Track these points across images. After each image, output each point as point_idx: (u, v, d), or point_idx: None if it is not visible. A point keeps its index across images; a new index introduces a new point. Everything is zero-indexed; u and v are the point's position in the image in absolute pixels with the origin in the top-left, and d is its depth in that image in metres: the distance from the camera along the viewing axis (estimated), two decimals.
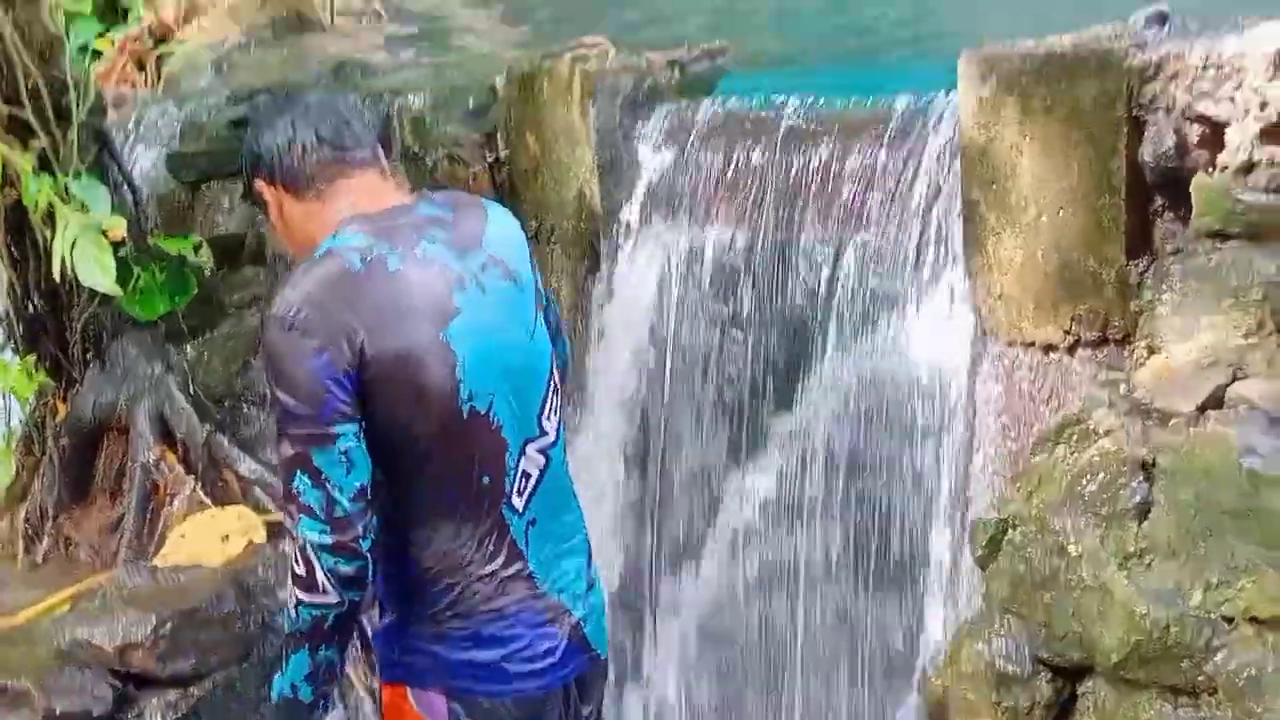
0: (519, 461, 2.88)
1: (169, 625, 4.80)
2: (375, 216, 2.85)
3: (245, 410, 5.87)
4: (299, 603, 2.73)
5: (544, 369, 2.95)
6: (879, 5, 7.16)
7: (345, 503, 2.66)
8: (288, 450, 2.70)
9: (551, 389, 2.95)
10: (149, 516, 5.59)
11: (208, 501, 5.55)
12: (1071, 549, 3.03)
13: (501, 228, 2.99)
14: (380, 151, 3.02)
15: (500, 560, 2.87)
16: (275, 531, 5.41)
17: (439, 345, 2.77)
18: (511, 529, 2.89)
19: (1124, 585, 2.90)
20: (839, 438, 4.23)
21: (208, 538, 5.36)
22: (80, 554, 5.67)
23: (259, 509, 5.50)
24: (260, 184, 2.97)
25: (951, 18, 6.59)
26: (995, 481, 3.91)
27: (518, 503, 2.89)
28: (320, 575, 2.68)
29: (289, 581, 2.75)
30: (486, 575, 2.87)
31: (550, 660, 2.93)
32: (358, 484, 2.67)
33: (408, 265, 2.79)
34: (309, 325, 2.68)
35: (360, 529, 2.68)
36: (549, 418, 2.94)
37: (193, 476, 5.63)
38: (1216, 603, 2.78)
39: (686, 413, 4.67)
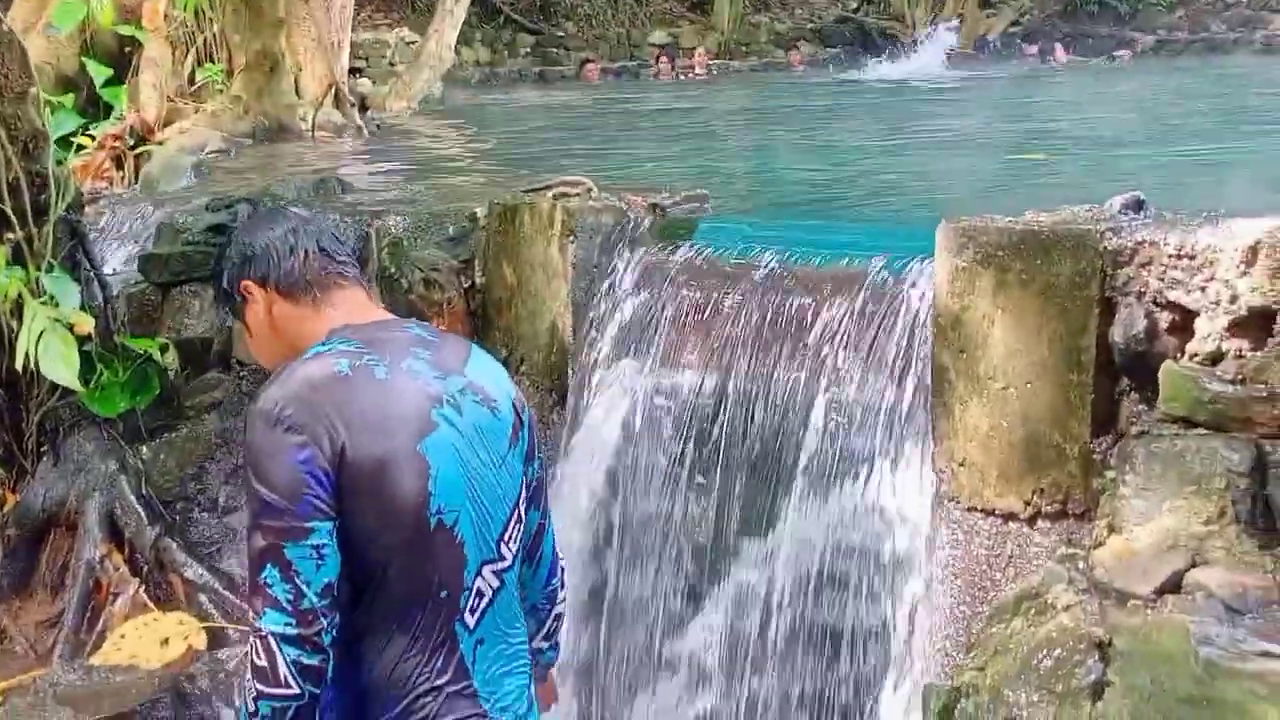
0: (474, 581, 2.91)
1: None
2: (365, 327, 2.92)
3: (196, 515, 5.82)
4: (259, 695, 2.70)
5: (511, 497, 2.98)
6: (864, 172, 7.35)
7: (313, 597, 2.67)
8: (259, 542, 2.70)
9: (515, 518, 2.99)
10: (89, 614, 5.52)
11: (150, 604, 5.49)
12: None
13: (483, 361, 3.05)
14: (359, 272, 3.09)
15: (448, 676, 2.88)
16: (216, 639, 5.36)
17: (415, 456, 2.81)
18: (461, 645, 2.91)
19: None
20: (797, 590, 4.24)
21: (147, 641, 5.30)
22: (16, 648, 5.57)
23: (202, 615, 5.44)
24: (249, 285, 2.97)
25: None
26: (946, 645, 3.92)
27: (470, 620, 2.92)
28: (282, 667, 2.67)
29: (248, 675, 2.72)
30: (434, 690, 2.88)
31: None
32: (326, 580, 2.69)
33: (393, 376, 2.84)
34: (294, 421, 2.70)
35: (325, 624, 2.69)
36: (508, 544, 2.97)
37: (137, 578, 5.58)
38: None
39: (645, 559, 4.66)
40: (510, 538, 2.98)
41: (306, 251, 2.96)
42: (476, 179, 7.33)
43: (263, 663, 2.69)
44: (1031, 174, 6.74)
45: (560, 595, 3.27)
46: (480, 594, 2.93)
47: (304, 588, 2.67)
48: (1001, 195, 4.83)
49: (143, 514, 5.70)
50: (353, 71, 15.76)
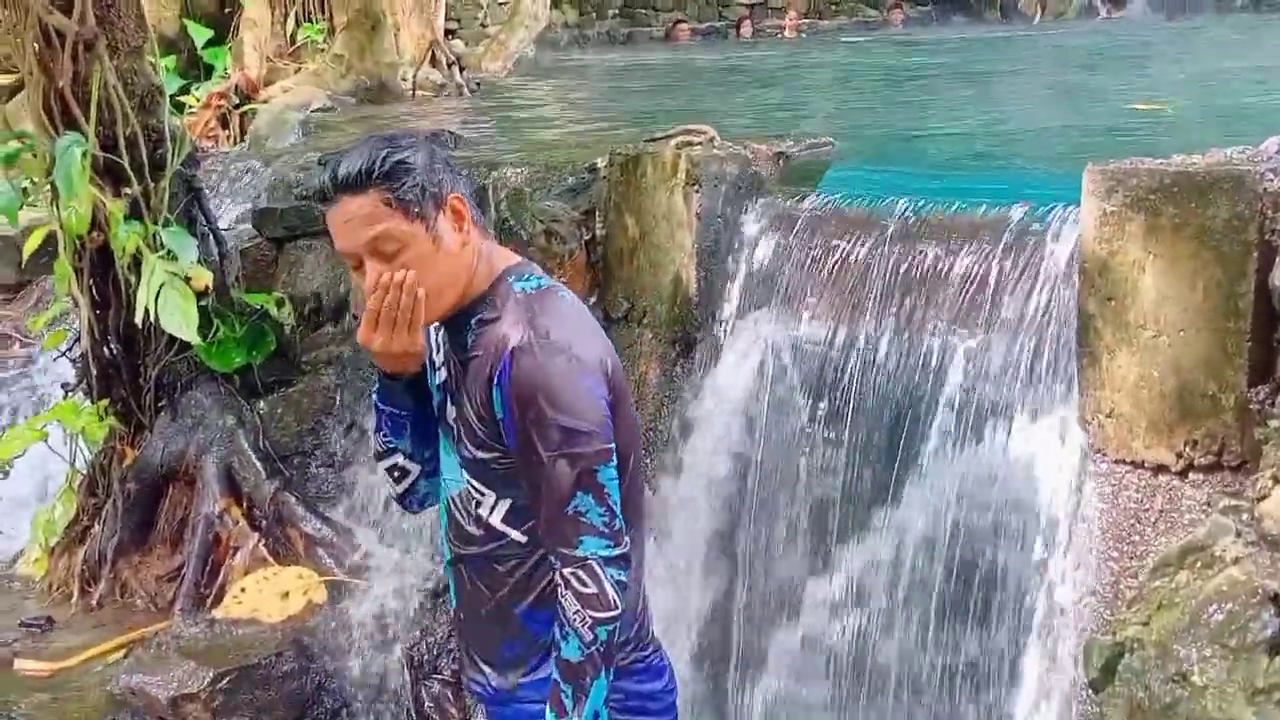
0: None
1: (226, 680, 4.76)
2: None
3: (314, 469, 5.80)
4: (595, 622, 2.71)
5: None
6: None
7: (620, 516, 2.75)
8: (567, 471, 2.71)
9: None
10: (209, 568, 5.52)
11: (270, 558, 5.48)
12: (1196, 679, 2.93)
13: None
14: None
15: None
16: (336, 592, 5.34)
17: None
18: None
19: None
20: (934, 544, 4.14)
21: (268, 594, 5.29)
22: (137, 601, 5.59)
23: (321, 569, 5.42)
24: (461, 199, 2.84)
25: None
26: (1092, 601, 3.81)
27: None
28: (609, 589, 2.71)
29: (574, 608, 2.72)
30: (646, 597, 3.05)
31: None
32: (620, 497, 2.76)
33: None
34: (582, 351, 2.75)
35: (628, 540, 2.78)
36: None
37: (256, 532, 5.56)
38: None
39: (777, 507, 4.58)
40: None
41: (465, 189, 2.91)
42: (588, 133, 7.25)
43: (591, 589, 2.71)
44: (1155, 126, 6.55)
45: None
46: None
47: (614, 507, 2.74)
48: (1131, 147, 4.66)
49: (260, 468, 5.69)
50: (446, 33, 15.78)
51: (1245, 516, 3.33)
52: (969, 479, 4.14)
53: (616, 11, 23.97)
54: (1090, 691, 3.24)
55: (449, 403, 2.93)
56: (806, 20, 22.92)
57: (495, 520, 2.90)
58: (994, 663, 4.08)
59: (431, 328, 2.91)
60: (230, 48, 10.21)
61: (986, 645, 4.11)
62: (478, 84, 11.26)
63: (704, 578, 4.65)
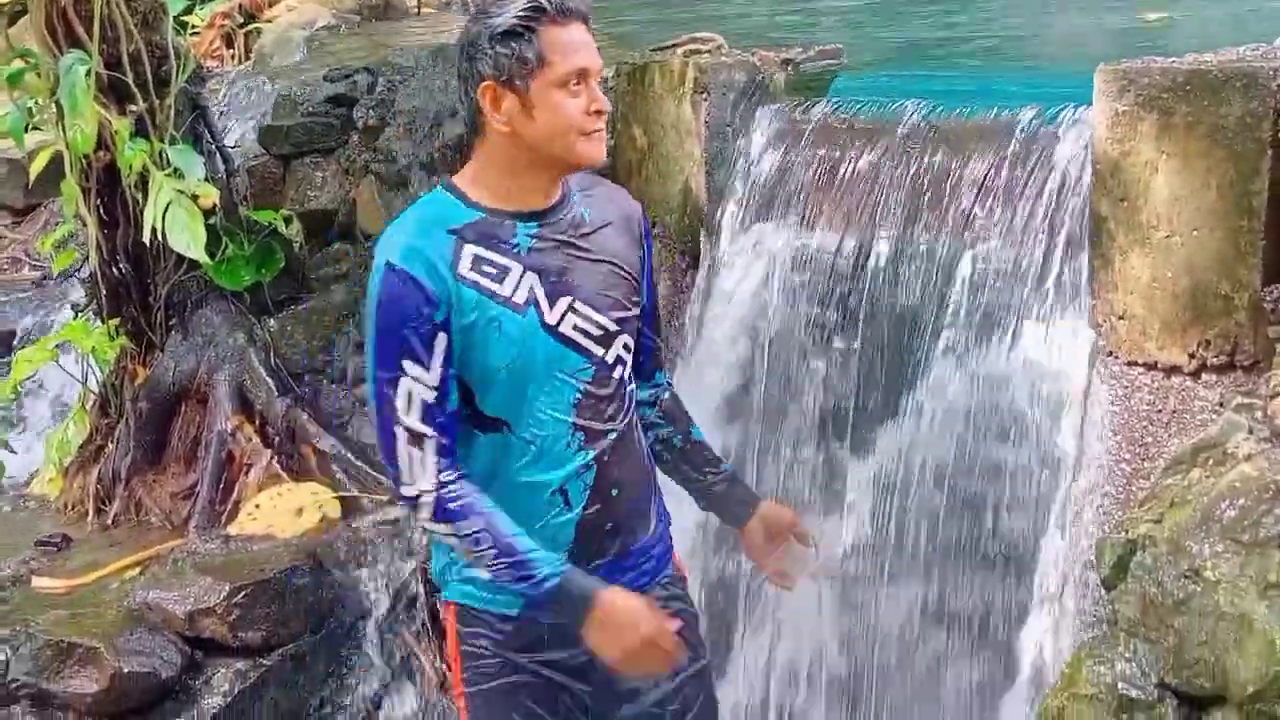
0: None
1: (242, 594, 4.79)
2: None
3: (326, 386, 5.82)
4: None
5: None
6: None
7: None
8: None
9: None
10: (223, 486, 5.55)
11: (283, 475, 5.51)
12: (1208, 574, 2.93)
13: None
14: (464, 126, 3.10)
15: None
16: (350, 508, 5.36)
17: None
18: None
19: (1265, 615, 2.80)
20: (945, 449, 4.13)
21: (282, 510, 5.33)
22: (151, 519, 5.63)
23: (335, 485, 5.45)
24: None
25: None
26: (1105, 503, 3.81)
27: None
28: None
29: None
30: None
31: None
32: None
33: None
34: None
35: None
36: None
37: (269, 449, 5.59)
38: None
39: (786, 417, 4.57)
40: None
41: None
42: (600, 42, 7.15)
43: None
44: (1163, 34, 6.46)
45: None
46: None
47: None
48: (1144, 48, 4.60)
49: (272, 386, 5.71)
50: None
51: (1258, 414, 3.32)
52: (980, 383, 4.12)
53: None
54: (1104, 589, 3.24)
55: (560, 295, 2.98)
56: None
57: (628, 379, 3.14)
58: (1014, 559, 4.08)
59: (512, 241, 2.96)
60: None
61: (1003, 548, 4.11)
62: None
63: None
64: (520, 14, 2.84)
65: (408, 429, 2.84)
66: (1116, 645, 3.04)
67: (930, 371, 4.24)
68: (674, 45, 5.23)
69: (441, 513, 2.87)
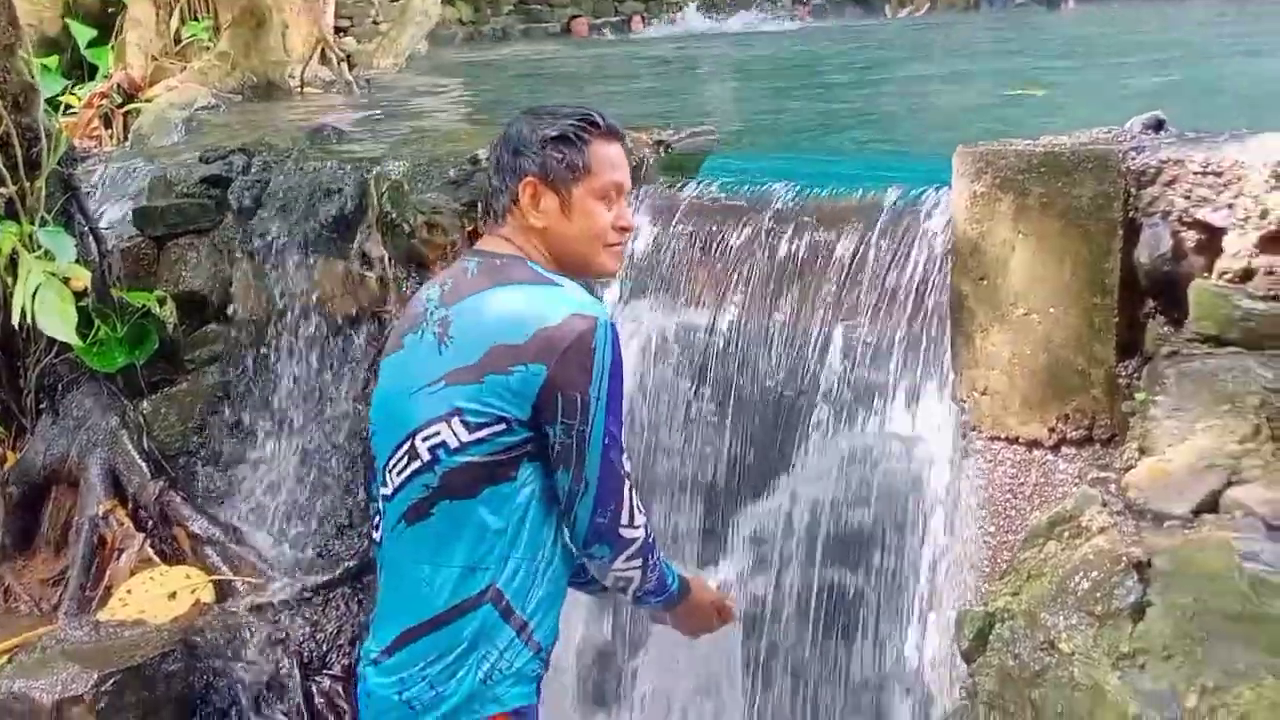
0: (378, 498, 3.16)
1: (111, 681, 4.70)
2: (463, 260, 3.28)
3: (200, 468, 5.75)
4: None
5: (405, 428, 3.04)
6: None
7: None
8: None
9: (405, 450, 3.04)
10: (94, 571, 5.47)
11: (156, 559, 5.43)
12: (1063, 646, 2.98)
13: (506, 300, 3.00)
14: (497, 205, 3.21)
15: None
16: (223, 591, 5.30)
17: (380, 368, 3.25)
18: (379, 559, 3.25)
19: (1116, 685, 2.85)
20: (815, 525, 4.18)
21: (154, 595, 5.25)
22: (20, 606, 5.53)
23: (208, 568, 5.38)
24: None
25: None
26: (969, 577, 3.86)
27: (376, 534, 3.20)
28: None
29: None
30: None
31: None
32: None
33: (413, 304, 3.24)
34: None
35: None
36: (393, 473, 3.07)
37: (142, 533, 5.52)
38: (1212, 707, 2.72)
39: (661, 497, 4.60)
40: (396, 468, 3.06)
41: None
42: (474, 127, 7.22)
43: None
44: (1034, 108, 6.64)
45: (598, 570, 3.16)
46: (379, 511, 3.17)
47: None
48: (1009, 128, 4.73)
49: (145, 468, 5.64)
50: (337, 30, 15.63)
51: (1112, 488, 3.40)
52: (850, 459, 4.18)
53: (512, 7, 23.93)
54: (964, 662, 3.28)
55: None
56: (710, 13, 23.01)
57: None
58: (884, 635, 4.12)
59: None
60: (113, 47, 10.05)
61: (873, 622, 4.15)
62: (367, 81, 11.18)
63: None
64: (575, 124, 3.09)
65: (628, 475, 3.03)
66: (977, 718, 3.08)
67: (803, 447, 4.30)
68: None
69: (648, 547, 3.09)
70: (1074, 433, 3.74)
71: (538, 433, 2.96)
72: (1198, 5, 18.62)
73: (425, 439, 3.00)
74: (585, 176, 3.08)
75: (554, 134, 3.08)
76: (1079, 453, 3.74)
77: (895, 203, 4.36)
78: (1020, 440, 3.85)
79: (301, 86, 10.38)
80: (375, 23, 18.12)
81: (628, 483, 3.03)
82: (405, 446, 3.03)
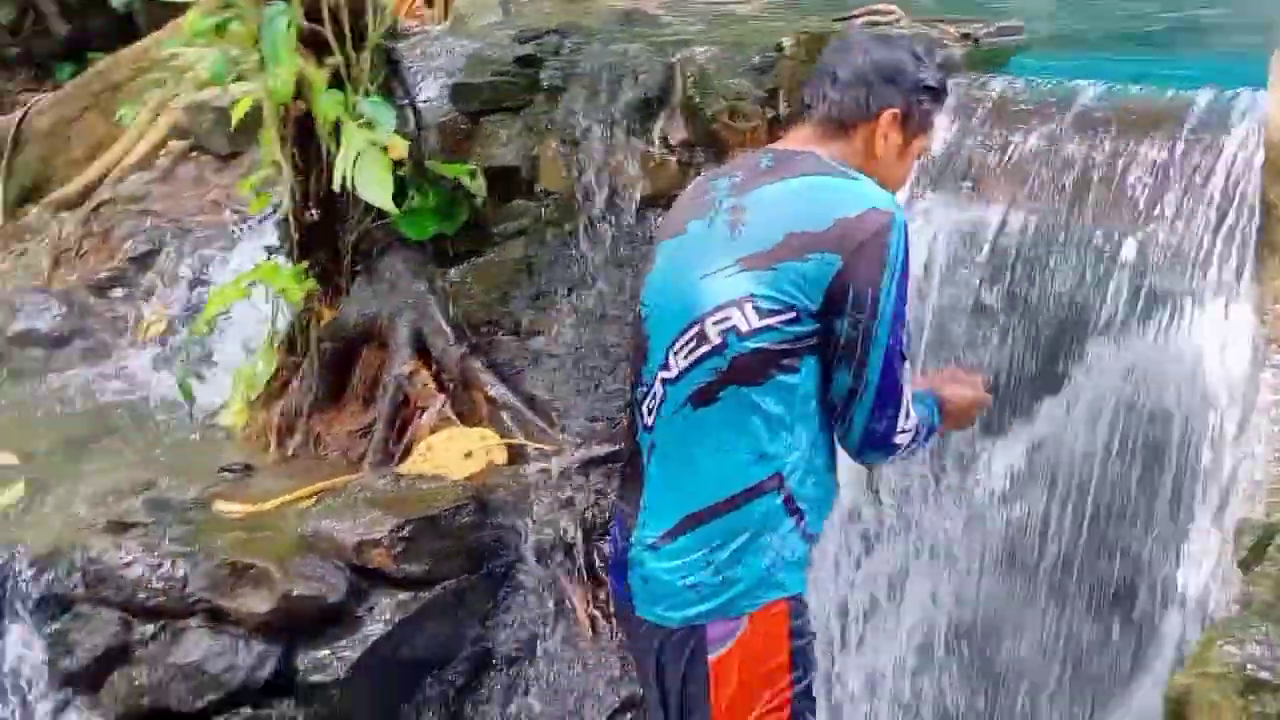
0: (652, 381, 3.15)
1: (408, 528, 4.95)
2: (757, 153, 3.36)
3: (500, 337, 5.99)
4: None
5: (694, 311, 3.06)
6: None
7: None
8: None
9: (695, 334, 3.05)
10: (398, 426, 5.75)
11: (455, 419, 5.69)
12: None
13: (799, 188, 3.06)
14: (835, 108, 3.23)
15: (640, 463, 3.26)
16: (516, 455, 5.53)
17: (655, 250, 3.27)
18: (641, 441, 3.23)
19: None
20: (1100, 430, 4.15)
21: (452, 452, 5.51)
22: (329, 453, 5.85)
23: (503, 432, 5.62)
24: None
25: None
26: (1260, 492, 3.80)
27: (647, 418, 3.18)
28: None
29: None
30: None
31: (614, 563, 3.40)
32: None
33: (699, 192, 3.27)
34: None
35: None
36: (678, 355, 3.08)
37: (443, 394, 5.77)
38: None
39: None
40: (683, 351, 3.07)
41: None
42: (780, 21, 7.23)
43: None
44: None
45: (863, 469, 3.32)
46: (654, 395, 3.15)
47: None
48: None
49: (450, 333, 5.88)
50: None
51: None
52: (1140, 366, 4.13)
53: None
54: (1241, 571, 3.25)
55: None
56: None
57: None
58: (1166, 545, 4.09)
59: None
60: None
61: (1156, 530, 4.12)
62: None
63: None
64: (943, 81, 3.28)
65: (908, 382, 3.12)
66: (1249, 627, 3.05)
67: (1090, 351, 4.26)
68: (853, 16, 5.28)
69: (918, 435, 3.17)
70: None
71: (823, 325, 2.99)
72: None
73: (716, 322, 3.02)
74: (925, 132, 3.29)
75: (930, 84, 3.21)
76: None
77: (1206, 105, 4.24)
78: None
79: None
80: None
81: (907, 390, 3.06)
82: (694, 330, 3.05)
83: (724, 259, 3.05)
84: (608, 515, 5.19)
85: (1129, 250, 4.23)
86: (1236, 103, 4.17)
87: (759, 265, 3.00)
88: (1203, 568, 3.85)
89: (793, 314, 2.98)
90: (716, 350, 3.04)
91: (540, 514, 5.25)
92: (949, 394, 3.37)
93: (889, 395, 3.02)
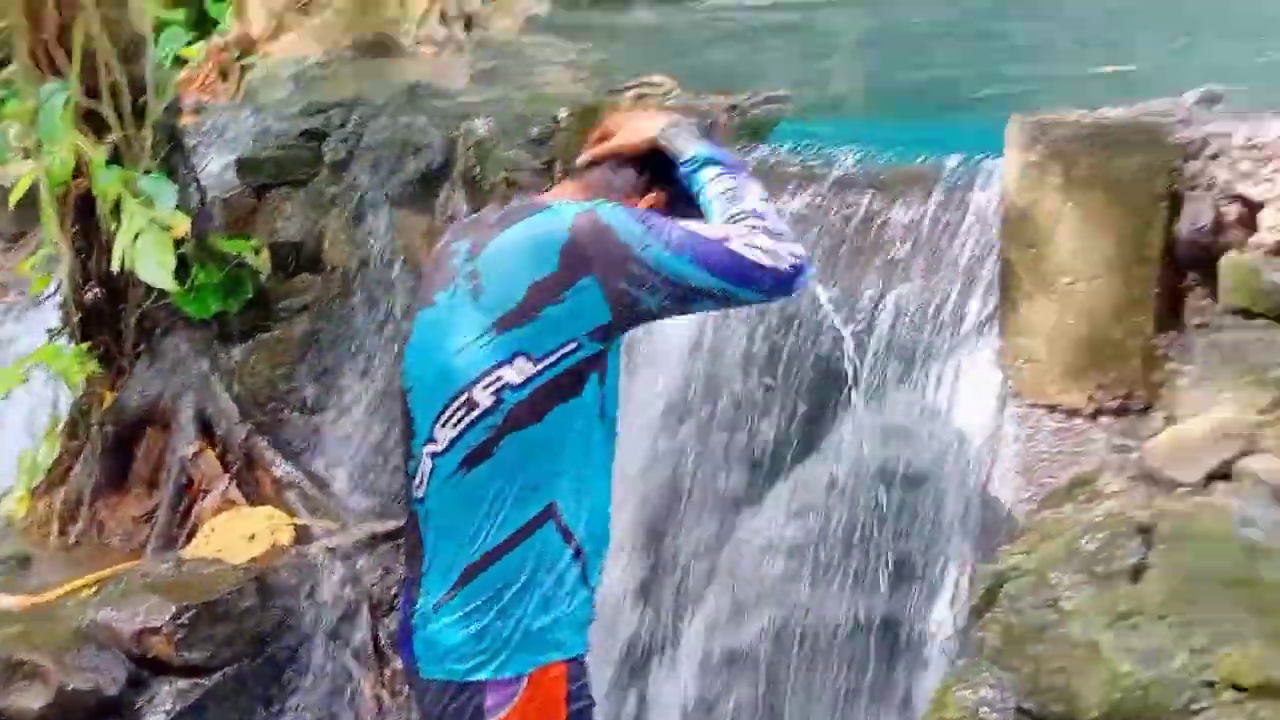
0: (420, 454, 3.13)
1: (187, 615, 4.88)
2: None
3: (286, 414, 5.95)
4: None
5: (457, 383, 3.04)
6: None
7: None
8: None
9: (461, 404, 3.03)
10: (181, 509, 5.69)
11: (240, 500, 5.64)
12: (1065, 604, 3.04)
13: (514, 238, 3.05)
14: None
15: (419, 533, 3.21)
16: (302, 535, 5.49)
17: (414, 322, 3.23)
18: (416, 511, 3.20)
19: (1110, 643, 2.92)
20: (862, 486, 4.26)
21: (236, 534, 5.45)
22: (112, 541, 5.77)
23: (289, 511, 5.58)
24: None
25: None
26: (1005, 538, 3.92)
27: (418, 490, 3.16)
28: None
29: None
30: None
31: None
32: None
33: (440, 258, 3.24)
34: None
35: None
36: (445, 427, 3.06)
37: (228, 474, 5.72)
38: (1199, 667, 2.78)
39: (713, 452, 4.70)
40: (450, 422, 3.05)
41: None
42: (570, 87, 7.33)
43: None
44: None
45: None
46: (422, 468, 3.13)
47: None
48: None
49: (234, 413, 5.84)
50: None
51: (1135, 455, 3.45)
52: (896, 423, 4.25)
53: None
54: (974, 618, 3.36)
55: None
56: None
57: None
58: (920, 595, 4.20)
59: None
60: (229, 3, 10.33)
61: (911, 580, 4.23)
62: (478, 42, 11.34)
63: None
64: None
65: (722, 235, 2.95)
66: (981, 671, 3.15)
67: (851, 409, 4.37)
68: (626, 88, 5.39)
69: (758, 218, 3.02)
70: (1110, 402, 3.80)
71: (619, 326, 3.00)
72: None
73: (486, 386, 3.01)
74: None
75: None
76: (1116, 422, 3.79)
77: (954, 170, 4.40)
78: (1060, 408, 3.91)
79: (415, 45, 10.56)
80: None
81: (728, 242, 2.94)
82: (461, 400, 3.03)
83: (477, 327, 3.04)
84: (394, 591, 5.18)
85: (887, 309, 4.35)
86: (981, 167, 4.33)
87: (517, 322, 2.99)
88: (955, 616, 3.96)
89: (574, 344, 2.98)
90: (489, 411, 3.02)
91: (325, 594, 5.21)
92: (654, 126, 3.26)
93: (736, 272, 2.93)
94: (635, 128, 3.28)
